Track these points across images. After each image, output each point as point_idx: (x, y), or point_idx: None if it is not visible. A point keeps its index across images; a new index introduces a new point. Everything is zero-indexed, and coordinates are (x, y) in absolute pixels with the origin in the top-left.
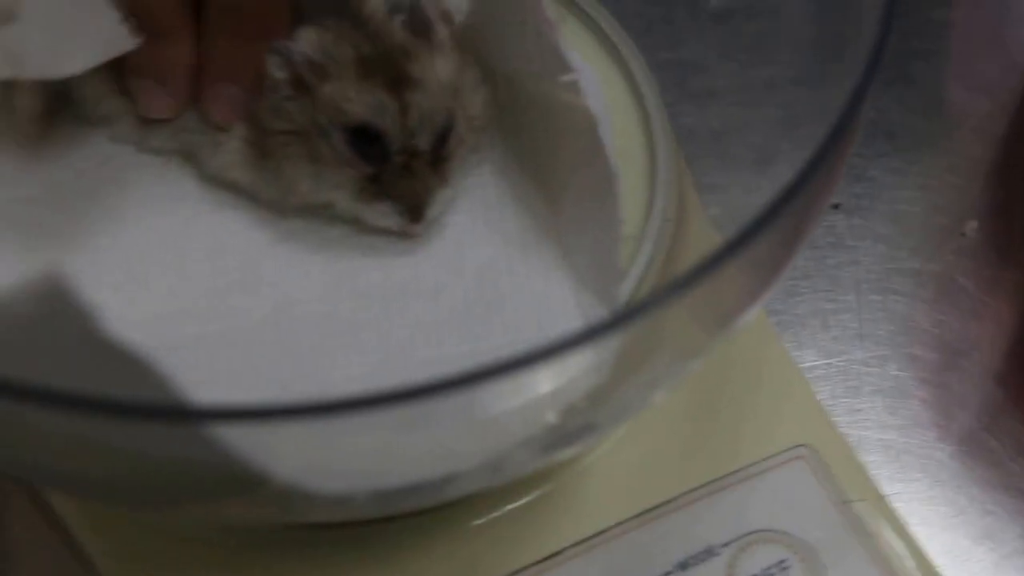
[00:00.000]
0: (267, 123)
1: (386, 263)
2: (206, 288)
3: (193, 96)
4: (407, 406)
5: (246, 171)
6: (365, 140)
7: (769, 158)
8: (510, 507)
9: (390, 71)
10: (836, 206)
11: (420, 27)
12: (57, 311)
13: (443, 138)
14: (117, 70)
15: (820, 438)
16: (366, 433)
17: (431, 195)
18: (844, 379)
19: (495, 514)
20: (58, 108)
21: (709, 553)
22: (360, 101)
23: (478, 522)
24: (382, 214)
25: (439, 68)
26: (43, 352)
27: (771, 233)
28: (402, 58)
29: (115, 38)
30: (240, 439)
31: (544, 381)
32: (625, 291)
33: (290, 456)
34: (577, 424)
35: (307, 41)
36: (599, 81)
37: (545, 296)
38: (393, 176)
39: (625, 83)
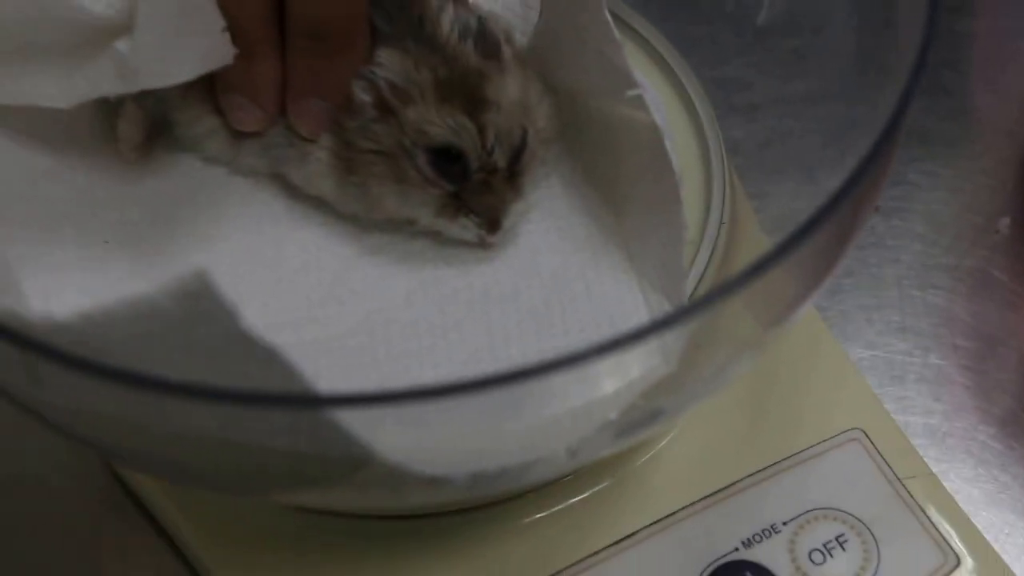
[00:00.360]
0: (353, 141)
1: (466, 271)
2: (299, 300)
3: (281, 110)
4: (501, 390)
5: (331, 184)
6: (447, 160)
7: (812, 167)
8: (581, 496)
9: (467, 93)
10: (876, 209)
11: (490, 49)
12: (202, 310)
13: (518, 154)
14: (209, 91)
15: (872, 422)
16: (463, 417)
17: (507, 208)
18: (889, 369)
19: (567, 503)
20: (156, 135)
21: (772, 530)
22: (441, 124)
23: (551, 511)
24: (462, 228)
25: (510, 88)
26: (184, 347)
27: (818, 237)
28: (477, 80)
29: (217, 48)
30: (356, 422)
31: (619, 371)
32: (689, 288)
33: (398, 439)
34: (649, 411)
35: (390, 66)
36: (658, 96)
37: (615, 297)
38: (472, 192)
39: (679, 99)
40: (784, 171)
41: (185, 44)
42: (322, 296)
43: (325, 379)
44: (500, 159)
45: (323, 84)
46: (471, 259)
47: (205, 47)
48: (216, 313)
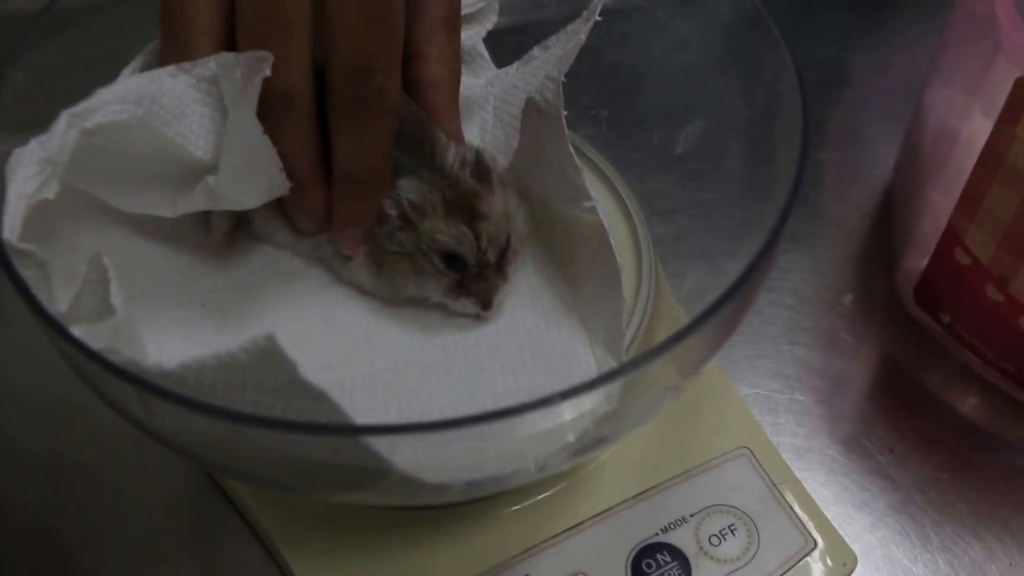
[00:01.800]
0: (383, 245)
1: (462, 329)
2: (341, 348)
3: (329, 220)
4: (488, 424)
5: (367, 276)
6: (452, 258)
7: (715, 257)
8: (545, 495)
9: (466, 209)
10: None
11: (483, 174)
12: (270, 362)
13: (504, 252)
14: (278, 200)
15: (755, 442)
16: (461, 441)
17: (496, 291)
18: (767, 403)
19: (535, 499)
20: (239, 227)
21: (683, 520)
22: (448, 234)
23: (523, 505)
24: (464, 306)
25: (497, 203)
26: (257, 389)
27: (724, 311)
28: (473, 199)
29: (276, 182)
30: (381, 445)
31: (575, 408)
32: (624, 345)
33: (412, 457)
34: (597, 436)
35: (409, 189)
36: (604, 204)
37: (571, 350)
38: (471, 280)
39: (618, 205)
40: (694, 259)
41: (254, 179)
42: (359, 345)
43: (360, 408)
44: (491, 256)
45: (359, 217)
46: (467, 322)
47: (268, 181)
48: (281, 365)
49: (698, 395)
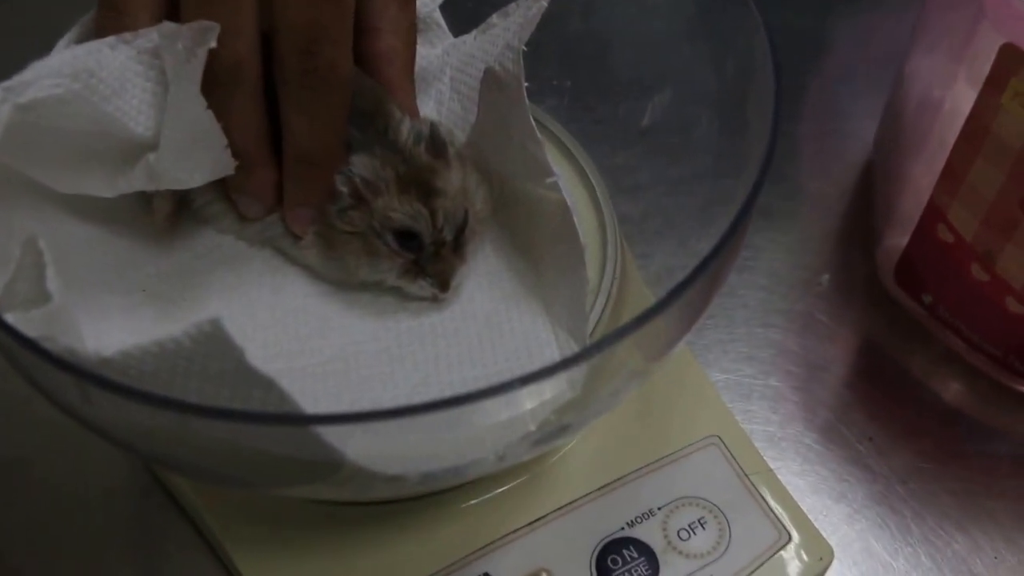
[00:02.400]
0: (334, 224)
1: (418, 313)
2: (290, 336)
3: (277, 202)
4: (444, 412)
5: (317, 258)
6: (407, 237)
7: (684, 235)
8: (506, 487)
9: (421, 185)
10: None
11: (438, 150)
12: (216, 348)
13: (461, 230)
14: (220, 181)
15: (726, 430)
16: (416, 431)
17: (454, 272)
18: (739, 389)
19: (495, 492)
20: (181, 209)
21: (649, 514)
22: (402, 211)
23: (483, 498)
24: (420, 288)
25: (454, 179)
26: (202, 377)
27: (692, 290)
28: (429, 175)
29: (221, 161)
30: (333, 435)
31: (536, 395)
32: (588, 329)
33: (365, 447)
34: (557, 425)
35: (362, 165)
36: (566, 181)
37: (533, 334)
38: (427, 261)
39: (582, 182)
40: (662, 237)
41: (197, 157)
42: (308, 333)
43: (310, 397)
44: (448, 234)
45: (310, 196)
46: (423, 305)
47: (213, 160)
48: (227, 351)
49: (666, 381)
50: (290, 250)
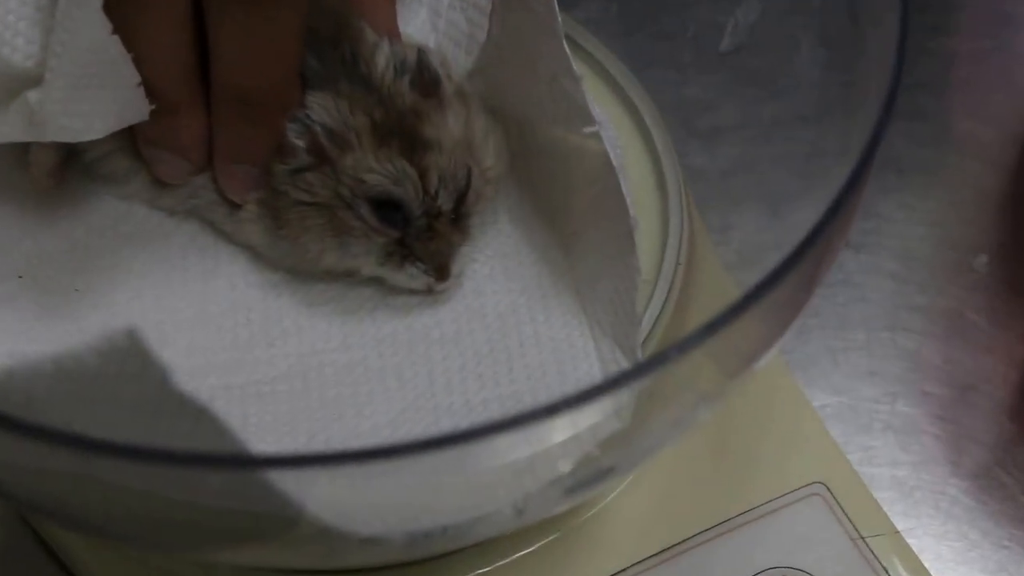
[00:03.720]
0: (286, 191)
1: (406, 311)
2: (225, 341)
3: (207, 160)
4: (441, 453)
5: (263, 237)
6: (388, 208)
7: (778, 198)
8: (525, 551)
9: (405, 135)
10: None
11: (429, 85)
12: (131, 369)
13: (463, 196)
14: (127, 132)
15: (834, 475)
16: (398, 478)
17: (455, 253)
18: (855, 417)
19: (511, 558)
20: (70, 163)
21: None
22: (381, 172)
23: (494, 566)
24: (410, 276)
25: (451, 126)
26: (111, 403)
27: (792, 278)
28: (415, 120)
29: (132, 104)
30: (288, 482)
31: (567, 428)
32: (641, 335)
33: (329, 498)
34: (598, 468)
35: (324, 109)
36: (613, 126)
37: (564, 343)
38: (417, 239)
39: (633, 125)
40: (748, 204)
41: (98, 98)
42: (250, 336)
43: (254, 429)
44: (445, 202)
45: (250, 149)
46: (412, 301)
47: (120, 102)
48: (146, 372)
49: (750, 406)
50: (225, 224)
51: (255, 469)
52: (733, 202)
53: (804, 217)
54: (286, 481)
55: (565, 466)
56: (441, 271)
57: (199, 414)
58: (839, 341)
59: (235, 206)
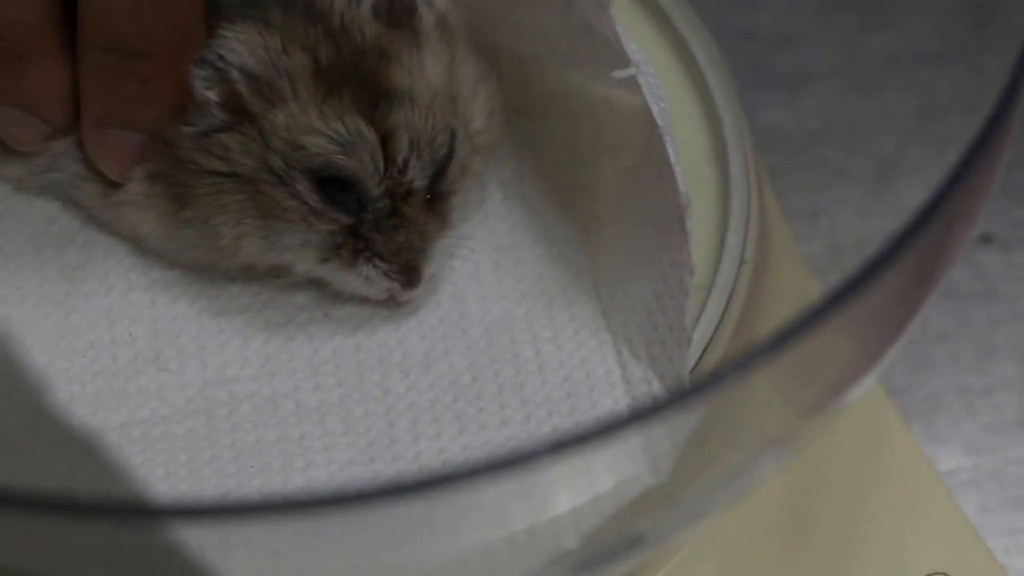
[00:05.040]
0: (193, 159)
1: (356, 326)
2: (101, 365)
3: (73, 121)
4: (404, 506)
5: (156, 222)
6: (337, 185)
7: (890, 168)
8: None
9: (362, 83)
10: (986, 239)
11: (398, 13)
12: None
13: (442, 168)
14: None
15: (966, 565)
16: (343, 542)
17: (429, 248)
18: (1000, 485)
19: None
20: None
21: None
22: (325, 133)
23: None
24: (365, 280)
25: (428, 70)
26: None
27: (893, 278)
28: (377, 62)
29: None
30: (204, 540)
31: (582, 481)
32: (689, 360)
33: (263, 569)
34: (625, 536)
35: (245, 47)
36: (657, 70)
37: (579, 368)
38: (376, 227)
39: (683, 67)
40: (844, 178)
41: None
42: (133, 358)
43: (160, 472)
44: (417, 177)
45: (135, 112)
46: (364, 310)
47: None
48: (17, 391)
49: (848, 467)
50: (98, 209)
51: (159, 521)
52: (823, 177)
53: (917, 195)
54: (200, 538)
55: (574, 537)
56: (409, 273)
57: (88, 450)
58: (977, 377)
59: (112, 184)
